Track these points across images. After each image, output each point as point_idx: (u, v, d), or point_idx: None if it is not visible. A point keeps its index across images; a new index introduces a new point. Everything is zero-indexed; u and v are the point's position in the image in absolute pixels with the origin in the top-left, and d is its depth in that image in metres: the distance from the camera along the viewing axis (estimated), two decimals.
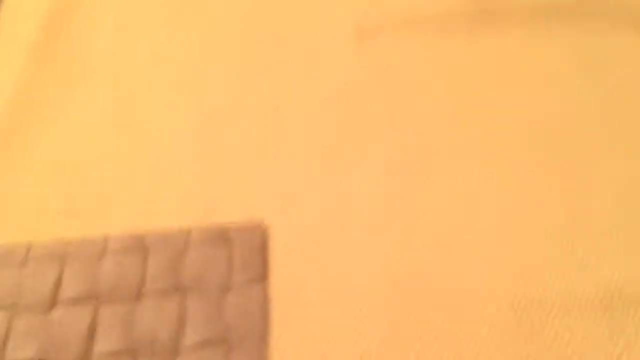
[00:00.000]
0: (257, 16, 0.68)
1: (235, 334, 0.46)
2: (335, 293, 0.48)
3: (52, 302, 0.48)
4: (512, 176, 0.54)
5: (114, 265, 0.50)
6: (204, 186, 0.54)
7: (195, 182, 0.55)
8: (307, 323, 0.46)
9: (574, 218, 0.50)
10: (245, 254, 0.50)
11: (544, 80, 0.61)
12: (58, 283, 0.49)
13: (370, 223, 0.51)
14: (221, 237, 0.51)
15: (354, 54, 0.64)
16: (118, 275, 0.49)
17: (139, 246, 0.51)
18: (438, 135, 0.57)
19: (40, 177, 0.56)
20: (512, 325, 0.45)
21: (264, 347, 0.45)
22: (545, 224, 0.50)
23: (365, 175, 0.54)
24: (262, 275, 0.49)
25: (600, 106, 0.58)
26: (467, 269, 0.48)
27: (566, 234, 0.50)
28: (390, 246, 0.50)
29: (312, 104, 0.59)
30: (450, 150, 0.56)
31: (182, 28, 0.67)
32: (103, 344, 0.45)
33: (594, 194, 0.52)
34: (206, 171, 0.55)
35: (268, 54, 0.64)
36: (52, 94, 0.62)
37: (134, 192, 0.54)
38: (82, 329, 0.46)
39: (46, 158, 0.57)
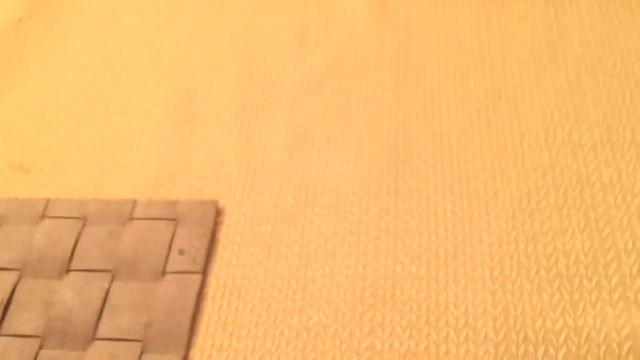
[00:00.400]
0: None
1: (157, 329, 0.39)
2: (286, 297, 0.40)
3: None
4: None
5: (49, 231, 0.44)
6: (160, 160, 0.48)
7: (153, 155, 0.48)
8: (242, 330, 0.39)
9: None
10: (190, 237, 0.43)
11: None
12: (22, 249, 0.44)
13: (339, 219, 0.43)
14: (167, 213, 0.44)
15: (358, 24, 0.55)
16: (49, 243, 0.44)
17: (79, 213, 0.45)
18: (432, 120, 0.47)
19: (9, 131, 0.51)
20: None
21: (186, 349, 0.39)
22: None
23: (340, 163, 0.46)
24: (202, 267, 0.42)
25: None
26: (447, 279, 0.39)
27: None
28: (358, 246, 0.42)
29: (297, 83, 0.51)
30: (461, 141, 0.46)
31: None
32: (14, 322, 0.41)
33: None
34: (166, 144, 0.49)
35: (253, 27, 0.56)
36: (27, 49, 0.57)
37: (89, 157, 0.48)
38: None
39: (8, 110, 0.52)
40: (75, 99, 0.53)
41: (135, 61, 0.55)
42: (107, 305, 0.41)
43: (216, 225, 0.44)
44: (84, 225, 0.45)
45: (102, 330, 0.40)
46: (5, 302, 0.41)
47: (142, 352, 0.39)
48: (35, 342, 0.40)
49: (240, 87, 0.52)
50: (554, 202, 0.42)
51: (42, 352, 0.39)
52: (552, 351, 0.36)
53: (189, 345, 0.39)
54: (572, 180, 0.43)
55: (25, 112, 0.52)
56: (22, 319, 0.41)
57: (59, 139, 0.50)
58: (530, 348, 0.36)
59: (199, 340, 0.39)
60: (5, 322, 0.41)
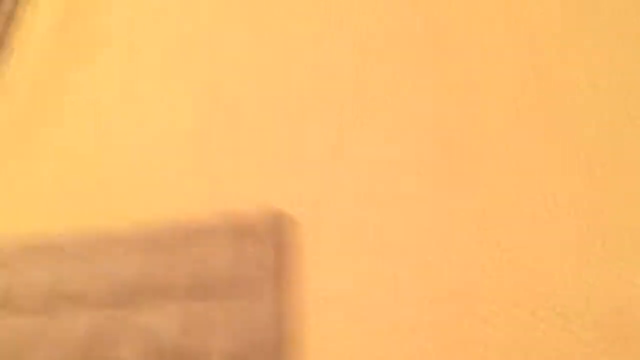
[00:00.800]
0: None
1: (252, 346, 0.41)
2: (373, 297, 0.41)
3: (82, 303, 0.45)
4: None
5: (140, 265, 0.46)
6: (220, 176, 0.49)
7: (214, 171, 0.49)
8: (338, 335, 0.40)
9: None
10: (276, 254, 0.44)
11: None
12: (91, 281, 0.46)
13: (417, 220, 0.44)
14: (249, 234, 0.45)
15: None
16: (141, 276, 0.45)
17: (163, 244, 0.46)
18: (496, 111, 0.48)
19: (59, 165, 0.52)
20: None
21: None
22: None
23: (412, 161, 0.46)
24: (281, 279, 0.43)
25: None
26: (523, 279, 0.40)
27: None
28: (439, 254, 0.42)
29: (333, 72, 0.51)
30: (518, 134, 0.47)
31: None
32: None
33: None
34: (221, 158, 0.49)
35: (275, 17, 0.56)
36: (69, 80, 0.58)
37: (157, 182, 0.50)
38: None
39: (63, 147, 0.54)
40: (117, 128, 0.53)
41: (165, 78, 0.56)
42: (212, 326, 0.42)
43: (286, 234, 0.44)
44: (170, 255, 0.45)
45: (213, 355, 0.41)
46: (99, 337, 0.43)
47: None
48: None
49: (275, 85, 0.52)
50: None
51: None
52: None
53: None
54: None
55: (80, 146, 0.53)
56: (122, 353, 0.42)
57: (109, 168, 0.51)
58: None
59: (297, 354, 0.40)
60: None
